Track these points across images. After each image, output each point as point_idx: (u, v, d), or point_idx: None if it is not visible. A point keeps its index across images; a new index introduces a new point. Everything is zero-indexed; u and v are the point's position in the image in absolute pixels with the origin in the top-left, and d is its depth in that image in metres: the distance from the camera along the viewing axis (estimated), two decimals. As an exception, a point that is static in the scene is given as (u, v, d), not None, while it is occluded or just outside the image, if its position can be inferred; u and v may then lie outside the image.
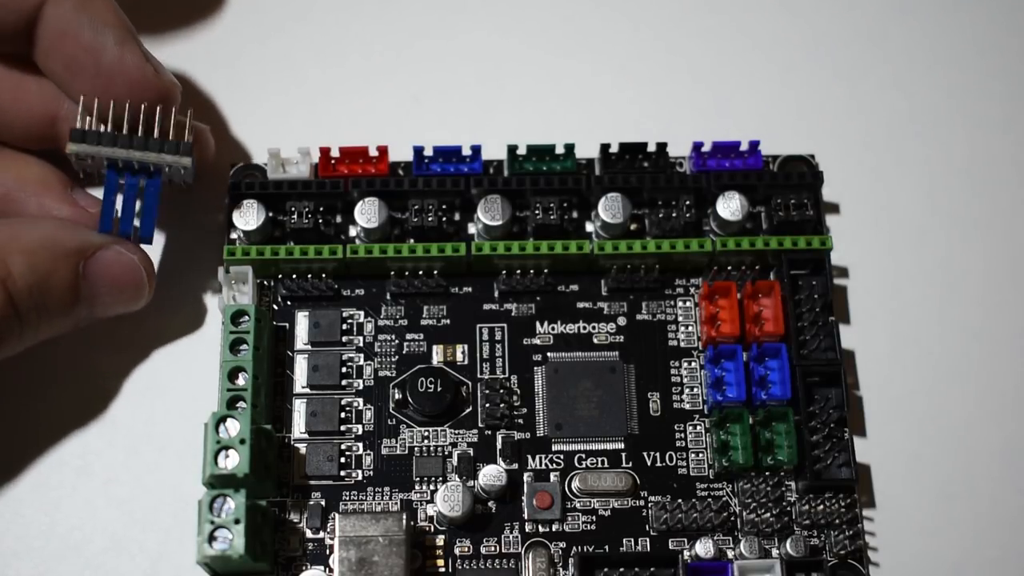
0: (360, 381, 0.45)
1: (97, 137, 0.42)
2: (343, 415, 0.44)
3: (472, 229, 0.46)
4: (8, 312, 0.39)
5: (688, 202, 0.46)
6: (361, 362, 0.45)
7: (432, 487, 0.43)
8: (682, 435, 0.44)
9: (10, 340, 0.40)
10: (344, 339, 0.45)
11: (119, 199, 0.43)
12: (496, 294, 0.46)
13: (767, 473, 0.43)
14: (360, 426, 0.44)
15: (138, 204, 0.43)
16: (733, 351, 0.44)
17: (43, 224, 0.41)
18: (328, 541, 0.42)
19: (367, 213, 0.45)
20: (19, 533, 0.43)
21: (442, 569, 0.42)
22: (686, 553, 0.43)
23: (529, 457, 0.44)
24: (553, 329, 0.46)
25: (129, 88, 0.42)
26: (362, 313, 0.46)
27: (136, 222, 0.43)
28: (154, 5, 0.42)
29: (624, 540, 0.43)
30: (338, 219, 0.46)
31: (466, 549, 0.43)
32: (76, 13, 0.41)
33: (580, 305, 0.46)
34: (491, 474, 0.43)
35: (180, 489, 0.43)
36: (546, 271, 0.45)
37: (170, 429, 0.44)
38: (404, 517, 0.41)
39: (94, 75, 0.42)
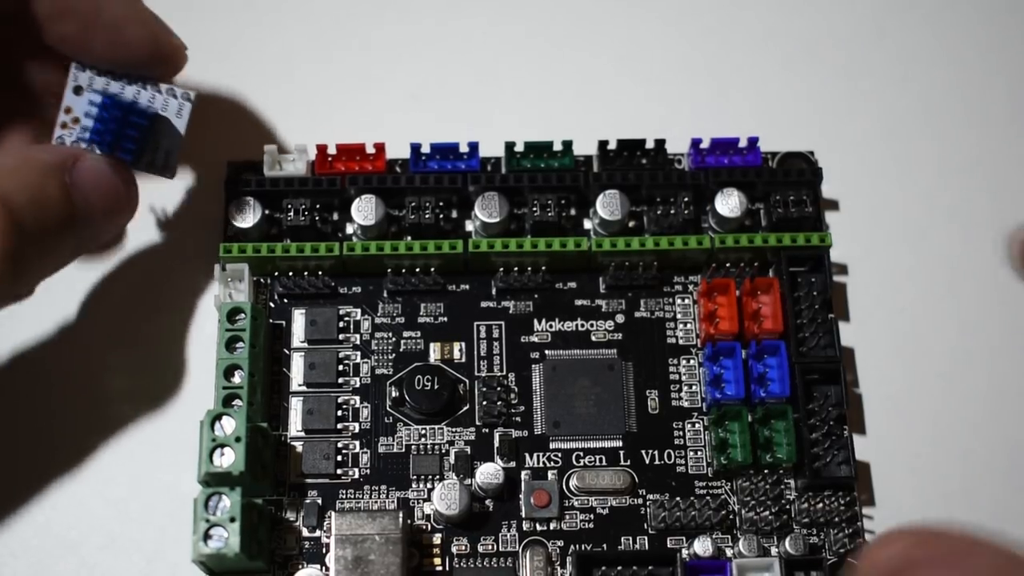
0: (357, 379, 0.44)
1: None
2: (340, 413, 0.44)
3: (469, 226, 0.46)
4: (15, 232, 0.37)
5: (687, 199, 0.46)
6: (358, 360, 0.45)
7: (429, 485, 0.43)
8: (680, 433, 0.44)
9: (25, 269, 0.38)
10: (341, 337, 0.45)
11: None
12: (494, 291, 0.46)
13: (766, 471, 0.43)
14: (357, 424, 0.44)
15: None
16: (732, 348, 0.44)
17: (15, 147, 0.40)
18: (324, 539, 0.42)
19: (364, 210, 0.45)
20: (15, 532, 0.43)
21: (439, 568, 0.42)
22: (684, 552, 0.42)
23: (527, 455, 0.44)
24: (551, 327, 0.46)
25: (139, 45, 0.41)
26: (359, 311, 0.45)
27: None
28: (151, 3, 0.42)
29: (622, 538, 0.43)
30: (335, 216, 0.46)
31: (463, 548, 0.42)
32: None
33: (578, 302, 0.46)
34: (488, 472, 0.43)
35: (177, 487, 0.43)
36: (544, 268, 0.45)
37: (166, 427, 0.44)
38: (401, 515, 0.41)
39: (107, 36, 0.41)
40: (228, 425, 0.40)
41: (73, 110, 0.42)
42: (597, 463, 0.44)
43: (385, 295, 0.46)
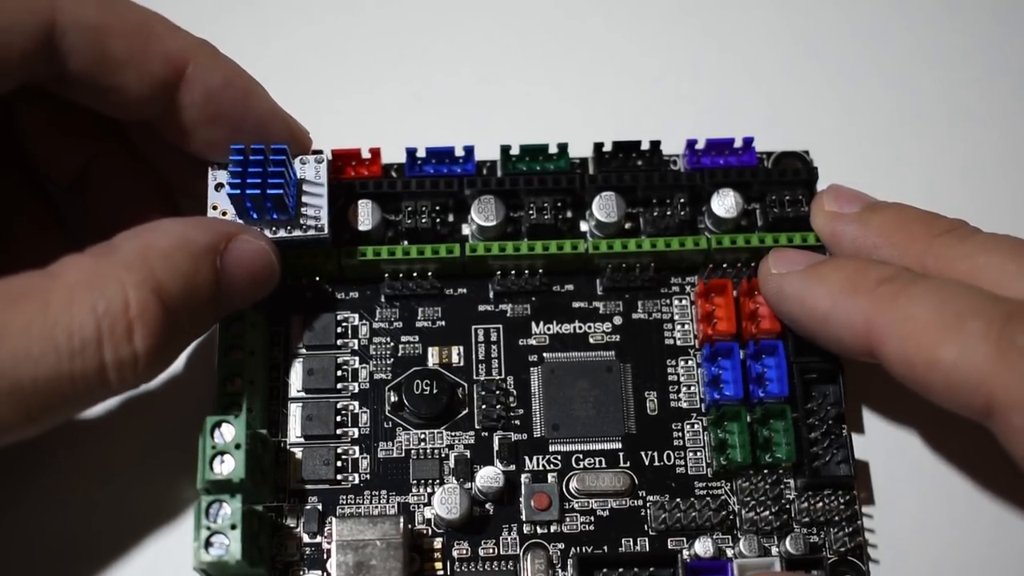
0: (355, 384, 0.44)
1: None
2: (339, 419, 0.44)
3: (466, 230, 0.46)
4: (167, 324, 0.37)
5: (683, 200, 0.46)
6: (356, 365, 0.45)
7: (429, 490, 0.43)
8: (680, 434, 0.44)
9: (168, 355, 0.38)
10: (339, 342, 0.45)
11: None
12: (491, 295, 0.46)
13: (765, 471, 0.43)
14: (356, 429, 0.44)
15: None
16: (730, 349, 0.44)
17: (171, 225, 0.40)
18: (325, 545, 0.42)
19: (361, 215, 0.45)
20: (18, 537, 0.43)
21: (440, 572, 0.42)
22: (685, 552, 0.42)
23: (526, 458, 0.44)
24: (549, 329, 0.46)
25: (280, 140, 0.42)
26: (357, 316, 0.45)
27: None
28: (150, 5, 0.42)
29: (623, 540, 0.43)
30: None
31: (464, 552, 0.42)
32: (225, 71, 0.41)
33: (576, 305, 0.46)
34: (488, 476, 0.43)
35: (179, 493, 0.43)
36: (541, 271, 0.45)
37: (167, 434, 0.44)
38: (401, 520, 0.41)
39: (253, 137, 0.41)
40: (228, 432, 0.40)
41: (219, 205, 0.42)
42: (597, 465, 0.44)
43: (383, 300, 0.46)
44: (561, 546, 0.43)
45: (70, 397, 0.36)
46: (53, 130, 0.43)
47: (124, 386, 0.37)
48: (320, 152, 0.44)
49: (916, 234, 0.41)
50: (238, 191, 0.41)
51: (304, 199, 0.43)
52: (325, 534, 0.42)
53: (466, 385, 0.45)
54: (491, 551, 0.42)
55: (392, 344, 0.45)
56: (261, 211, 0.42)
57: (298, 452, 0.43)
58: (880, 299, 0.38)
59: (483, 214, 0.45)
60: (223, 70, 0.41)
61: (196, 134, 0.41)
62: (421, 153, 0.46)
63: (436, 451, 0.44)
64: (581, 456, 0.44)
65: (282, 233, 0.42)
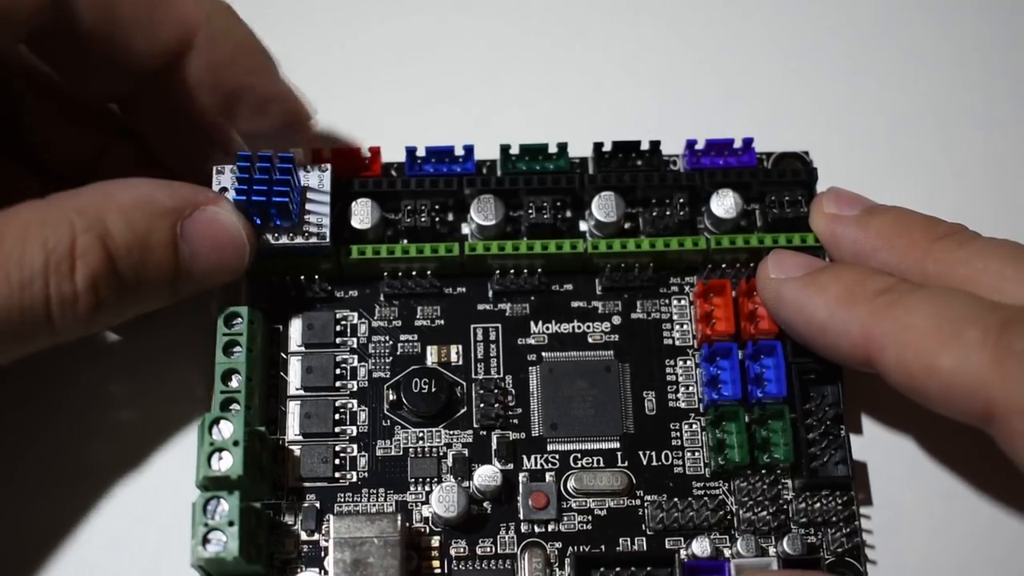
0: (354, 382, 0.44)
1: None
2: (337, 417, 0.44)
3: (466, 229, 0.46)
4: (108, 270, 0.37)
5: (682, 200, 0.46)
6: (355, 363, 0.45)
7: (427, 488, 0.43)
8: (678, 434, 0.44)
9: (110, 305, 0.38)
10: (338, 340, 0.45)
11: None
12: (490, 294, 0.46)
13: (763, 471, 0.43)
14: (354, 427, 0.44)
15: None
16: (728, 349, 0.44)
17: (137, 183, 0.39)
18: (323, 543, 0.42)
19: (360, 214, 0.45)
20: (17, 533, 0.43)
21: (438, 570, 0.42)
22: (683, 552, 0.42)
23: (524, 457, 0.44)
24: (548, 329, 0.46)
25: (275, 119, 0.42)
26: (356, 314, 0.45)
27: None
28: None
29: (620, 540, 0.43)
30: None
31: (462, 550, 0.42)
32: (236, 46, 0.41)
33: (574, 304, 0.46)
34: (486, 475, 0.43)
35: (179, 489, 0.43)
36: (540, 271, 0.45)
37: (166, 430, 0.44)
38: (399, 518, 0.41)
39: (249, 111, 0.42)
40: (226, 429, 0.40)
41: None
42: (595, 465, 0.44)
43: (382, 299, 0.46)
44: (559, 545, 0.43)
45: (17, 331, 0.36)
46: (60, 123, 0.44)
47: (65, 327, 0.37)
48: (326, 163, 0.44)
49: (915, 238, 0.41)
50: (243, 198, 0.41)
51: (307, 207, 0.43)
52: (323, 532, 0.42)
53: (464, 384, 0.45)
54: (489, 550, 0.42)
55: (391, 343, 0.45)
56: (265, 217, 0.42)
57: (296, 450, 0.43)
58: (878, 309, 0.39)
59: (482, 213, 0.45)
60: (233, 45, 0.41)
61: (193, 98, 0.41)
62: (421, 152, 0.46)
63: (434, 449, 0.44)
64: (579, 455, 0.44)
65: (284, 240, 0.42)
